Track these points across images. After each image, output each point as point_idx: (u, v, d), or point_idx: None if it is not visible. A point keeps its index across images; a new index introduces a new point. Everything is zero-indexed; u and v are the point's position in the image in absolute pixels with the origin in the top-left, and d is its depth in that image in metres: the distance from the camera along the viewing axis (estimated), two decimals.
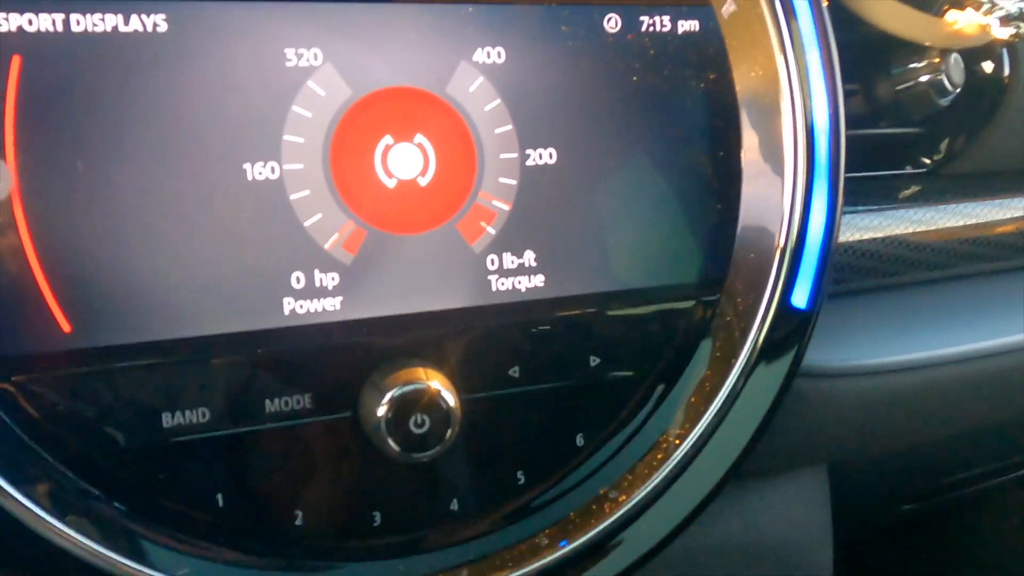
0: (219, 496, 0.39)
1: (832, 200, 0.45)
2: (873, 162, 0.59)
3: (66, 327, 0.36)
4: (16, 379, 0.36)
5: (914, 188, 0.59)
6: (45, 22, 0.35)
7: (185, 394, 0.38)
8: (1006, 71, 0.57)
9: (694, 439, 0.44)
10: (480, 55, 0.41)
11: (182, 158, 0.37)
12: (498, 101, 0.42)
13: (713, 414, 0.44)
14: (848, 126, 0.56)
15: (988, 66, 0.56)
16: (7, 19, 0.35)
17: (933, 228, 0.57)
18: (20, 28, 0.35)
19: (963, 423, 0.59)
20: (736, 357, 0.44)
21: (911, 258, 0.56)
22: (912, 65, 0.53)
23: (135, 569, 0.37)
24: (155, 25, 0.37)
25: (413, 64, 0.40)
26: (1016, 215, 0.59)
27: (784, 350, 0.44)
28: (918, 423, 0.55)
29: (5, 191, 0.35)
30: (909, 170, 0.60)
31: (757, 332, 0.44)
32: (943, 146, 0.60)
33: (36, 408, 0.36)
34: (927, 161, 0.60)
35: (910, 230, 0.56)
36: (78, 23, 0.36)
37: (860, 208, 0.56)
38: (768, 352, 0.44)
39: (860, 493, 0.68)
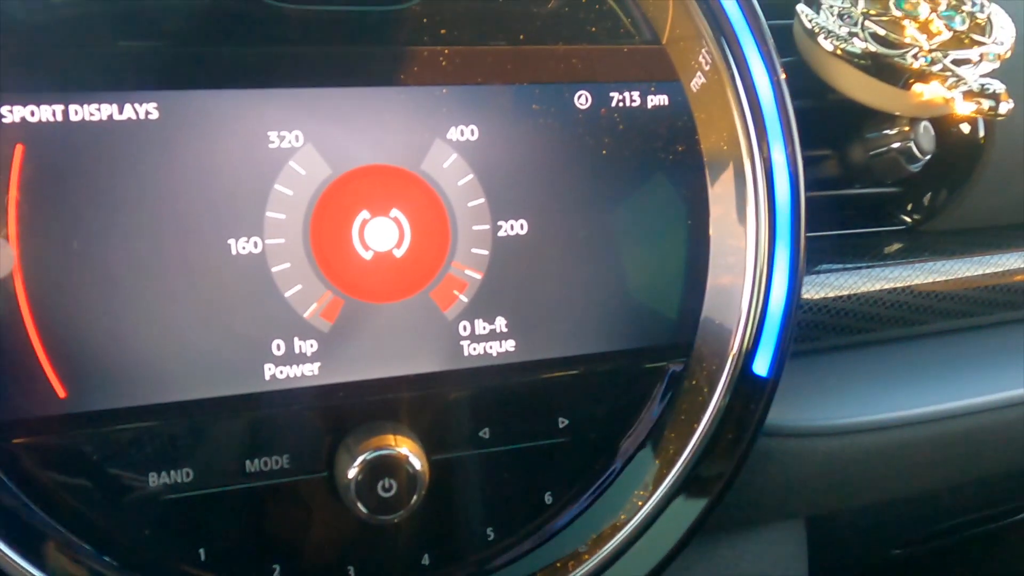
0: (201, 551, 0.41)
1: (793, 268, 0.46)
2: (853, 219, 0.60)
3: (61, 393, 0.39)
4: (13, 441, 0.39)
5: (895, 245, 0.60)
6: (46, 112, 0.38)
7: (171, 455, 0.41)
8: (981, 132, 0.58)
9: (659, 496, 0.45)
10: (454, 133, 0.44)
11: (171, 234, 0.40)
12: (471, 176, 0.44)
13: (676, 474, 0.45)
14: (824, 187, 0.58)
15: (965, 127, 0.57)
16: (11, 111, 0.38)
17: (909, 285, 0.58)
18: (23, 119, 0.38)
19: (938, 480, 0.59)
20: (699, 422, 0.46)
21: (887, 315, 0.57)
22: (884, 132, 0.54)
23: None
24: (147, 113, 0.39)
25: (389, 143, 0.43)
26: (992, 271, 0.60)
27: (745, 415, 0.46)
28: (890, 481, 0.56)
29: (7, 268, 0.38)
30: (888, 228, 0.61)
31: (720, 398, 0.45)
32: (922, 204, 0.61)
33: (31, 469, 0.39)
34: (907, 219, 0.61)
35: (886, 287, 0.58)
36: (76, 113, 0.39)
37: (837, 267, 0.57)
38: (729, 417, 0.45)
39: (845, 540, 0.69)
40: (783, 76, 0.45)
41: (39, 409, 0.39)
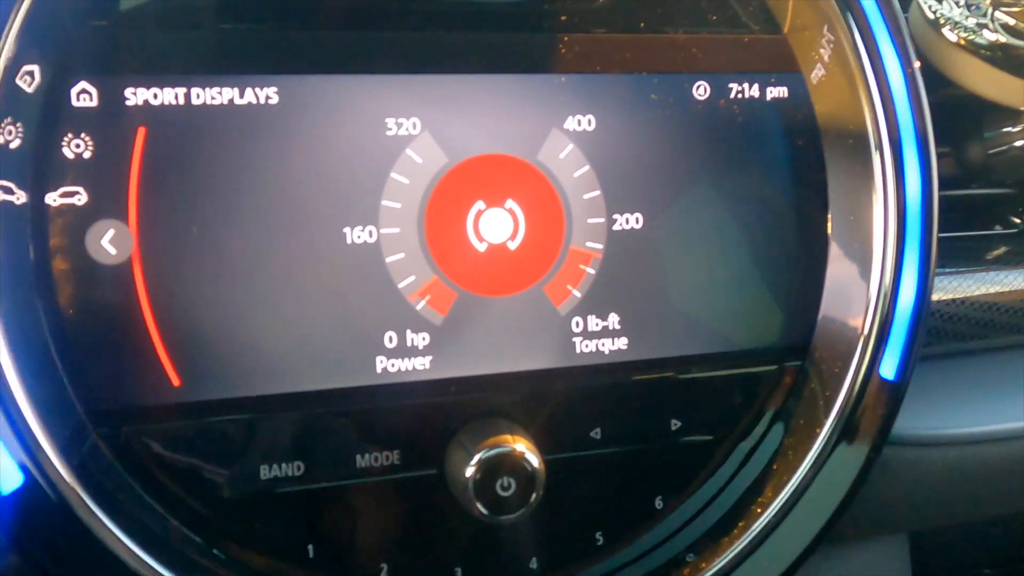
0: (310, 547, 0.40)
1: (924, 267, 0.44)
2: (963, 222, 0.58)
3: (175, 381, 0.38)
4: (128, 429, 0.38)
5: (1003, 248, 0.57)
6: (169, 96, 0.38)
7: (282, 447, 0.40)
8: None
9: (777, 508, 0.44)
10: (571, 123, 0.43)
11: (287, 222, 0.39)
12: (587, 167, 0.43)
13: (796, 484, 0.43)
14: (940, 188, 0.55)
15: None
16: (135, 93, 0.37)
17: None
18: (146, 101, 0.37)
19: None
20: (821, 426, 0.44)
21: (1001, 321, 0.54)
22: (1006, 129, 0.52)
23: None
24: (267, 98, 0.39)
25: (506, 132, 0.42)
26: None
27: (871, 421, 0.44)
28: (1006, 494, 0.54)
29: (126, 254, 0.38)
30: (999, 230, 0.58)
31: (844, 402, 0.44)
32: None
33: (144, 456, 0.38)
34: (1018, 221, 0.59)
35: (1000, 291, 0.55)
36: (198, 96, 0.38)
37: (948, 270, 0.55)
38: (855, 423, 0.43)
39: (940, 556, 0.66)
40: (917, 66, 0.43)
41: (153, 397, 0.38)
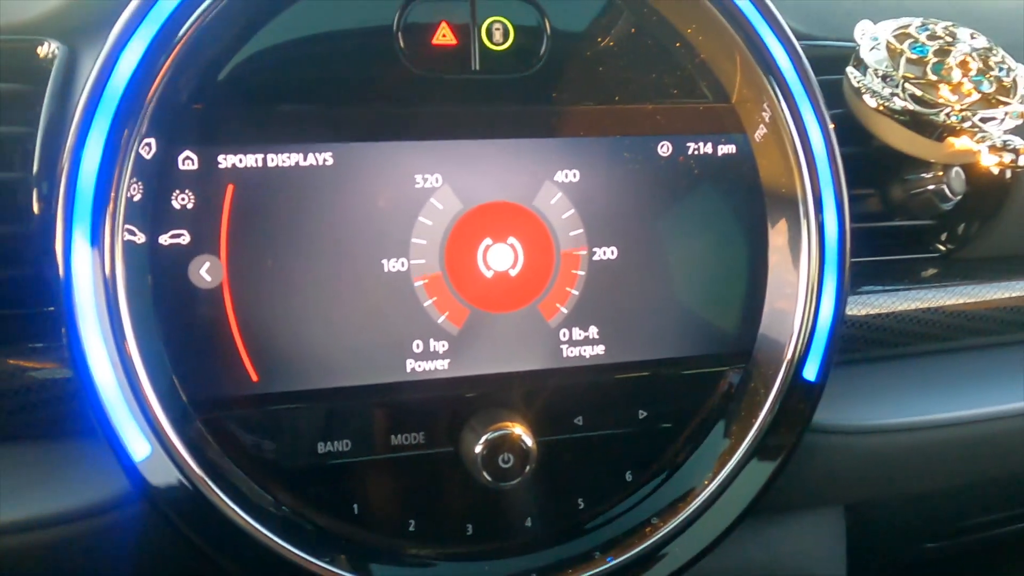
0: (355, 505, 0.52)
1: (839, 292, 0.55)
2: (894, 246, 0.68)
3: (254, 377, 0.50)
4: (219, 414, 0.49)
5: (930, 271, 0.68)
6: (250, 160, 0.49)
7: (334, 429, 0.51)
8: (1008, 173, 0.65)
9: (720, 480, 0.55)
10: (560, 176, 0.53)
11: (337, 255, 0.50)
12: (573, 211, 0.54)
13: (735, 462, 0.54)
14: (869, 219, 0.66)
15: (994, 169, 0.65)
16: (225, 159, 0.49)
17: (942, 305, 0.66)
18: (233, 165, 0.49)
19: (966, 477, 0.67)
20: (757, 417, 0.55)
21: (919, 332, 0.65)
22: (921, 174, 0.62)
23: (290, 550, 0.50)
24: (324, 160, 0.50)
25: (508, 184, 0.53)
26: (1018, 294, 0.68)
27: (796, 414, 0.55)
28: (921, 477, 0.64)
29: (219, 279, 0.49)
30: (924, 255, 0.69)
31: (775, 399, 0.55)
32: (956, 234, 0.69)
33: (231, 435, 0.50)
34: (941, 247, 0.69)
35: (919, 306, 0.66)
36: (272, 160, 0.49)
37: (877, 288, 0.66)
38: (782, 415, 0.55)
39: (880, 530, 0.77)
40: (832, 127, 0.54)
41: (237, 390, 0.50)
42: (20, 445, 0.52)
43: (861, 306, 0.65)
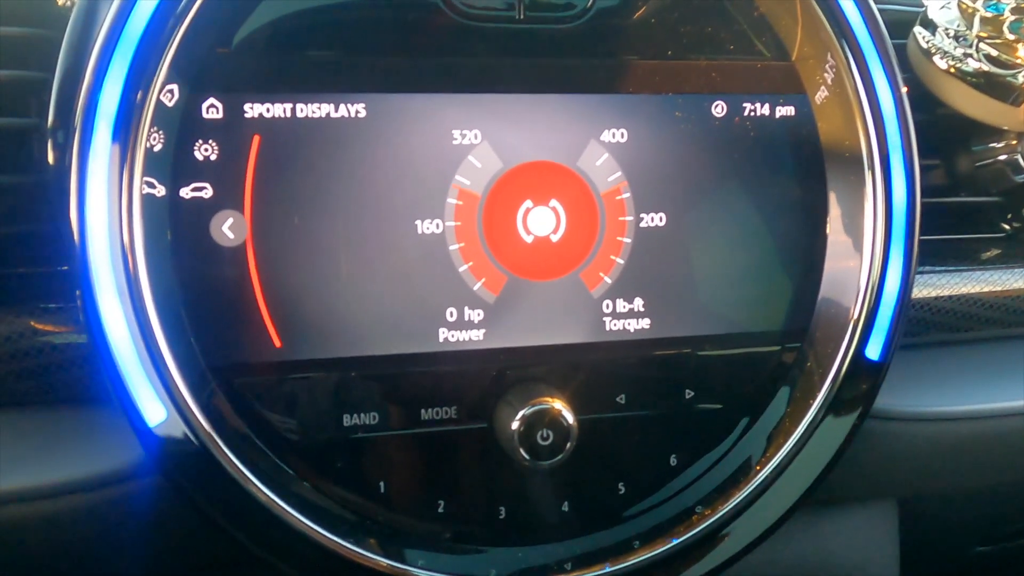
0: (381, 483, 0.49)
1: (907, 265, 0.51)
2: (955, 226, 0.64)
3: (277, 343, 0.47)
4: (239, 381, 0.46)
5: (993, 251, 0.64)
6: (278, 109, 0.46)
7: (361, 400, 0.48)
8: None
9: (773, 467, 0.51)
10: (606, 135, 0.50)
11: (369, 215, 0.47)
12: (619, 173, 0.50)
13: (791, 447, 0.51)
14: (931, 194, 0.62)
15: None
16: (252, 107, 0.46)
17: (1007, 289, 0.62)
18: (260, 115, 0.46)
19: None
20: (814, 399, 0.51)
21: (983, 315, 0.61)
22: (991, 144, 0.58)
23: (310, 527, 0.47)
24: (357, 112, 0.47)
25: (552, 142, 0.49)
26: None
27: (857, 396, 0.51)
28: (983, 468, 0.60)
29: (242, 237, 0.46)
30: (988, 234, 0.65)
31: (834, 379, 0.51)
32: (1021, 213, 0.65)
33: (251, 403, 0.47)
34: (1006, 227, 0.65)
35: (984, 289, 0.62)
36: (301, 110, 0.46)
37: (939, 268, 0.61)
38: (842, 397, 0.51)
39: (932, 530, 0.73)
40: (905, 90, 0.50)
41: (259, 356, 0.47)
42: (30, 411, 0.49)
43: (922, 287, 0.61)
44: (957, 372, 0.60)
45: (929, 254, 0.62)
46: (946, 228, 0.64)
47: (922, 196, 0.60)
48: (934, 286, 0.61)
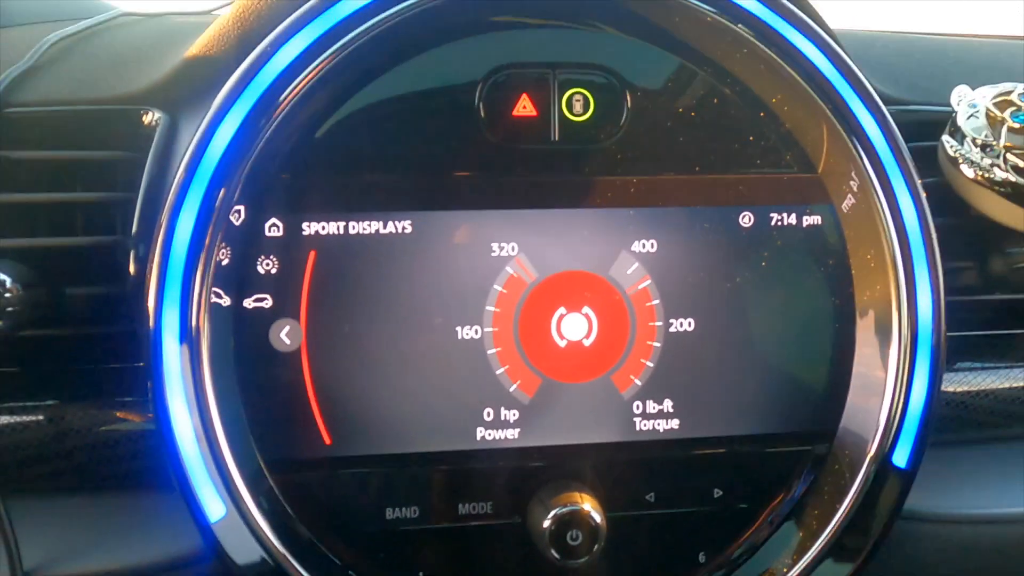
0: (420, 574, 0.51)
1: (933, 371, 0.52)
2: (992, 321, 0.64)
3: (327, 440, 0.51)
4: (293, 476, 0.50)
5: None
6: (332, 227, 0.50)
7: (403, 495, 0.51)
8: None
9: (799, 569, 0.52)
10: (637, 246, 0.53)
11: (414, 322, 0.51)
12: (649, 281, 0.53)
13: (816, 551, 0.52)
14: (966, 292, 0.63)
15: None
16: (309, 226, 0.50)
17: None
18: (316, 232, 0.50)
19: None
20: (841, 503, 0.52)
21: (1021, 413, 0.61)
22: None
23: None
24: (403, 228, 0.51)
25: (584, 253, 0.53)
26: None
27: (884, 503, 0.52)
28: (1015, 574, 0.59)
29: (298, 343, 0.50)
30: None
31: (861, 484, 0.52)
32: None
33: (303, 496, 0.50)
34: None
35: (1022, 386, 0.61)
36: (353, 228, 0.51)
37: (975, 365, 0.62)
38: (869, 503, 0.52)
39: None
40: (925, 198, 0.52)
41: (310, 452, 0.51)
42: (105, 495, 0.54)
43: (957, 384, 0.62)
44: (993, 471, 0.60)
45: (965, 351, 0.63)
46: (984, 323, 0.64)
47: (958, 294, 0.61)
48: (969, 383, 0.61)
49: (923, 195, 0.53)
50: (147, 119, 0.58)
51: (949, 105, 0.63)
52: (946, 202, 0.60)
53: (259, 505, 0.47)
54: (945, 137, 0.59)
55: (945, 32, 0.88)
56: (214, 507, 0.46)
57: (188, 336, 0.47)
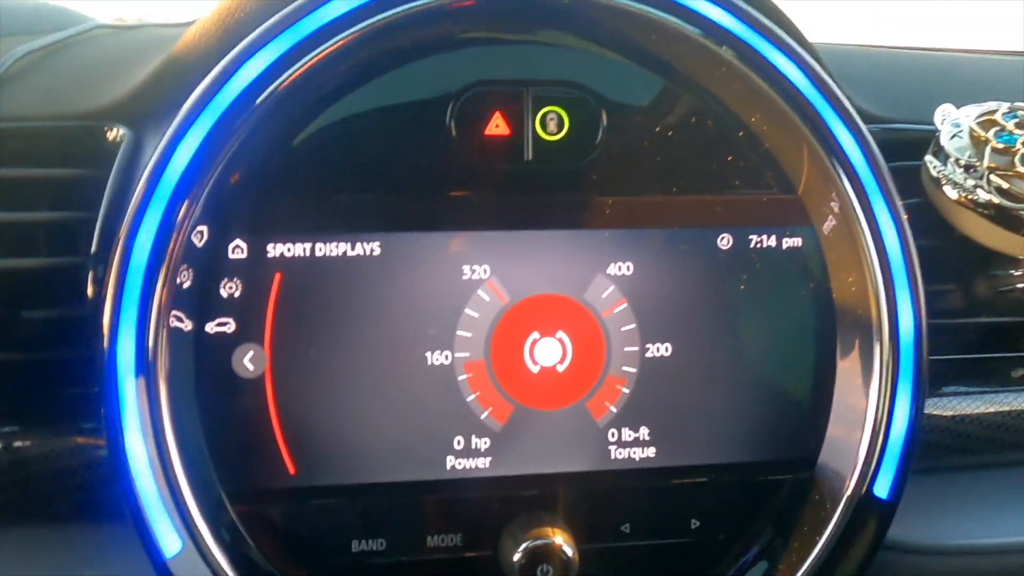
0: None
1: (915, 397, 0.51)
2: (978, 346, 0.63)
3: (291, 470, 0.49)
4: (255, 506, 0.49)
5: (1019, 371, 0.62)
6: (298, 249, 0.49)
7: (370, 526, 0.50)
8: None
9: None
10: (612, 268, 0.51)
11: (382, 347, 0.49)
12: (625, 305, 0.52)
13: None
14: (951, 315, 0.61)
15: None
16: (274, 247, 0.48)
17: None
18: (282, 254, 0.49)
19: None
20: (820, 534, 0.50)
21: (1008, 439, 0.59)
22: (1009, 271, 0.58)
23: None
24: (372, 250, 0.49)
25: (558, 276, 0.51)
26: None
27: (864, 534, 0.50)
28: None
29: (262, 369, 0.49)
30: (1012, 354, 0.63)
31: (841, 514, 0.50)
32: None
33: (262, 528, 0.49)
34: None
35: (1008, 410, 0.60)
36: (320, 249, 0.49)
37: (960, 389, 0.61)
38: (849, 534, 0.50)
39: None
40: (907, 221, 0.51)
41: (273, 482, 0.49)
42: (64, 527, 0.52)
43: (942, 408, 0.60)
44: (979, 499, 0.58)
45: (951, 374, 0.62)
46: (969, 346, 0.63)
47: (942, 317, 0.60)
48: (954, 407, 0.60)
49: (905, 218, 0.52)
50: (111, 135, 0.56)
51: (933, 124, 0.62)
52: (930, 224, 0.59)
53: (218, 538, 0.45)
54: (928, 157, 0.58)
55: (932, 47, 0.87)
56: (170, 541, 0.44)
57: (144, 361, 0.45)
